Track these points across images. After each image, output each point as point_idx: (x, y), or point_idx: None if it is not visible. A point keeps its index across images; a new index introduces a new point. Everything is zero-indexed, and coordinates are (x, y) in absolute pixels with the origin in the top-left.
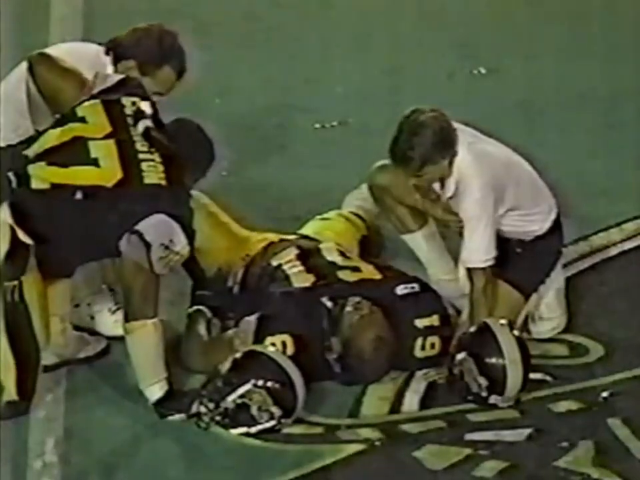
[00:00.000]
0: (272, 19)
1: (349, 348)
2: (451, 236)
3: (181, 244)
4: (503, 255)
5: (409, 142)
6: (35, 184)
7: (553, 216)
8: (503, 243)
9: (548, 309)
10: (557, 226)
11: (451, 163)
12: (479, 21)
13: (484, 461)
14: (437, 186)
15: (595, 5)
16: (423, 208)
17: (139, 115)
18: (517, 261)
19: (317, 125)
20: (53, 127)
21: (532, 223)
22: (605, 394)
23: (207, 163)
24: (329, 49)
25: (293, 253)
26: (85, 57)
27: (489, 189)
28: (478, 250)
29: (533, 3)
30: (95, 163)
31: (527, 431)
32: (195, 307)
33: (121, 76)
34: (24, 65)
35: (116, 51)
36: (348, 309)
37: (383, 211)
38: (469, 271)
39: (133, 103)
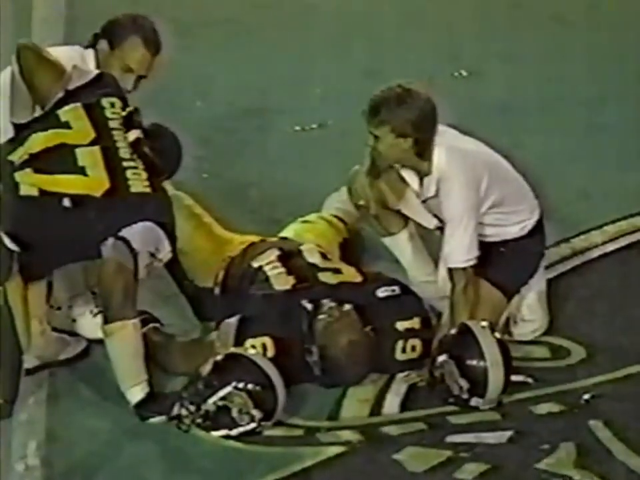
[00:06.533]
0: (251, 21)
1: (324, 354)
2: (431, 238)
3: (165, 251)
4: (486, 254)
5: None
6: (23, 190)
7: (535, 217)
8: (486, 244)
9: (529, 311)
10: (539, 227)
11: (420, 154)
12: (460, 23)
13: (465, 464)
14: (415, 185)
15: (577, 7)
16: (400, 208)
17: (129, 123)
18: (500, 261)
19: (297, 128)
20: (35, 130)
21: (515, 223)
22: (586, 396)
23: (174, 169)
24: (308, 51)
25: (273, 254)
26: (69, 55)
27: (471, 189)
28: (459, 250)
29: (514, 5)
30: (82, 171)
31: (508, 433)
32: None
33: (96, 72)
34: None
35: (95, 38)
36: (320, 316)
37: (363, 213)
38: (450, 271)
39: (112, 104)
